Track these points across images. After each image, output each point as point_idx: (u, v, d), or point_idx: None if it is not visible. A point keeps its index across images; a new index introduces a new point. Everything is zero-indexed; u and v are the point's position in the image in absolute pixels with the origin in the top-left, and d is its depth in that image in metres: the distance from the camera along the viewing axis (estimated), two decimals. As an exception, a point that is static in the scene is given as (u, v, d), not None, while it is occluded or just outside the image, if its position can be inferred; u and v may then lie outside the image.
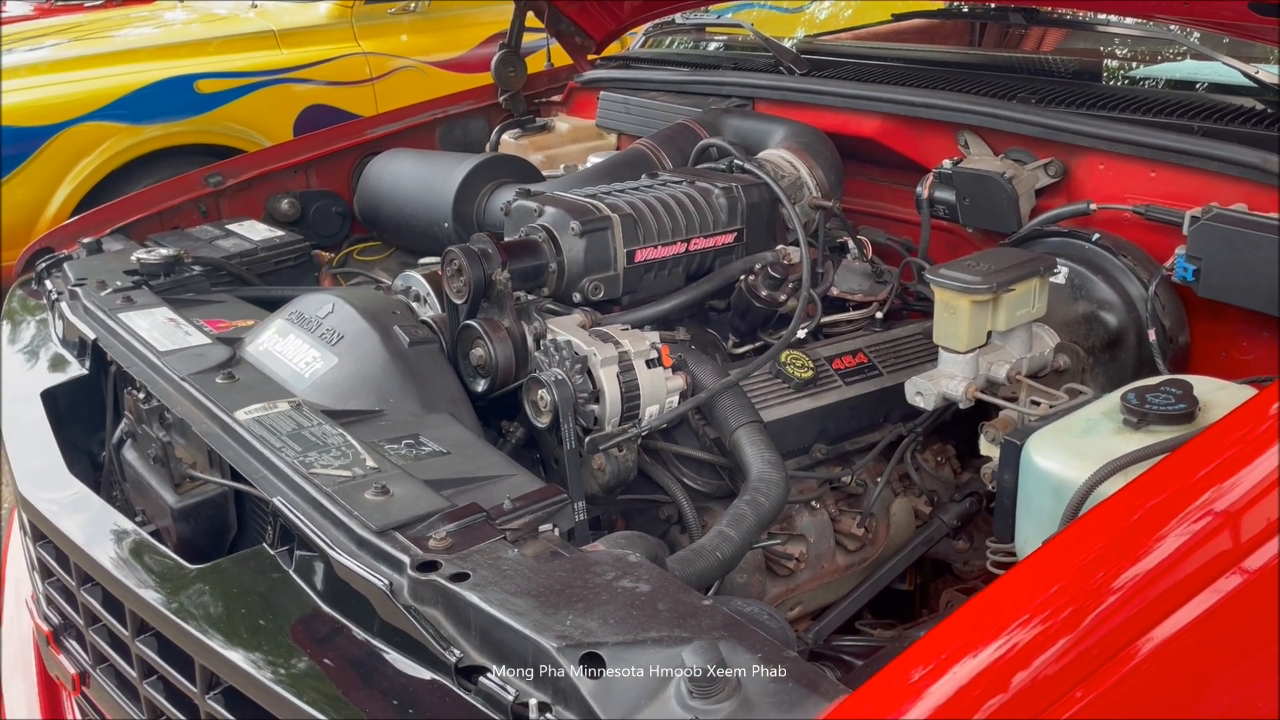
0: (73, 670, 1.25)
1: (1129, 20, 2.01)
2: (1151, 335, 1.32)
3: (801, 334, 1.53)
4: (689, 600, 0.85)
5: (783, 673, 0.75)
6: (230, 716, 0.97)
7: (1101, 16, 2.05)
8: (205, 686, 0.97)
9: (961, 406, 1.28)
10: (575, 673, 0.76)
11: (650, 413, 1.29)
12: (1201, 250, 1.25)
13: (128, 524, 1.14)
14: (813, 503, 1.44)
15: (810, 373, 1.43)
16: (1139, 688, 0.72)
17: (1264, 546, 0.79)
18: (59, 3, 6.87)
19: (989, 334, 1.35)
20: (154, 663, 1.06)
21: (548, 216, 1.46)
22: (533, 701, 0.77)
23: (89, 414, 1.49)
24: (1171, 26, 1.80)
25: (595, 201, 1.50)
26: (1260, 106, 1.52)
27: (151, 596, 1.03)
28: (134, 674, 1.12)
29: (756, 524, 1.17)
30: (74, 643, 1.25)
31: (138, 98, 3.89)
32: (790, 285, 1.56)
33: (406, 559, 0.88)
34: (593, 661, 0.77)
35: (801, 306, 1.51)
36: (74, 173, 3.79)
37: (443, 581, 0.86)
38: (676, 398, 1.33)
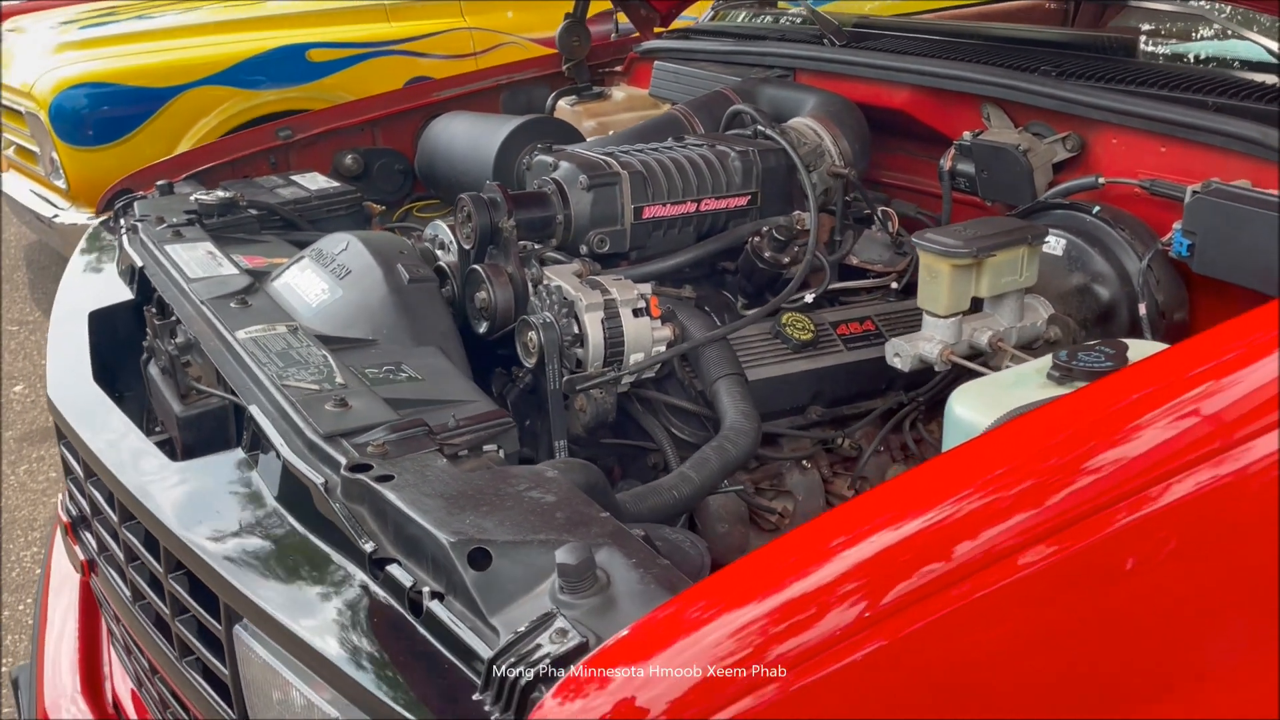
0: (82, 557, 1.38)
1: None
2: (1142, 309, 1.31)
3: (809, 298, 1.54)
4: (587, 511, 0.91)
5: (650, 577, 0.80)
6: (188, 597, 1.06)
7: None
8: (169, 567, 1.08)
9: (936, 369, 1.31)
10: (463, 566, 0.83)
11: (634, 359, 1.33)
12: (1197, 225, 1.24)
13: (132, 428, 1.24)
14: (804, 462, 1.46)
15: (810, 335, 1.45)
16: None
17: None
18: None
19: (979, 301, 1.37)
20: (135, 548, 1.16)
21: (559, 170, 1.52)
22: (426, 590, 0.84)
23: (137, 336, 1.57)
24: (1205, 4, 1.78)
25: (607, 158, 1.54)
26: (1258, 73, 1.51)
27: (134, 487, 1.12)
28: (122, 559, 1.22)
29: (720, 469, 1.22)
30: (85, 533, 1.37)
31: (253, 64, 4.05)
32: (796, 249, 1.57)
33: (343, 460, 0.97)
34: (479, 556, 0.83)
35: (803, 270, 1.52)
36: (191, 133, 3.95)
37: (369, 481, 0.93)
38: (664, 347, 1.36)
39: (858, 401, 1.51)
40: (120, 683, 1.48)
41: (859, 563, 0.78)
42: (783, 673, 0.74)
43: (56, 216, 3.95)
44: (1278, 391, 0.87)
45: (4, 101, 4.27)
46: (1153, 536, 0.82)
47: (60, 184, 3.93)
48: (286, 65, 4.10)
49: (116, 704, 1.46)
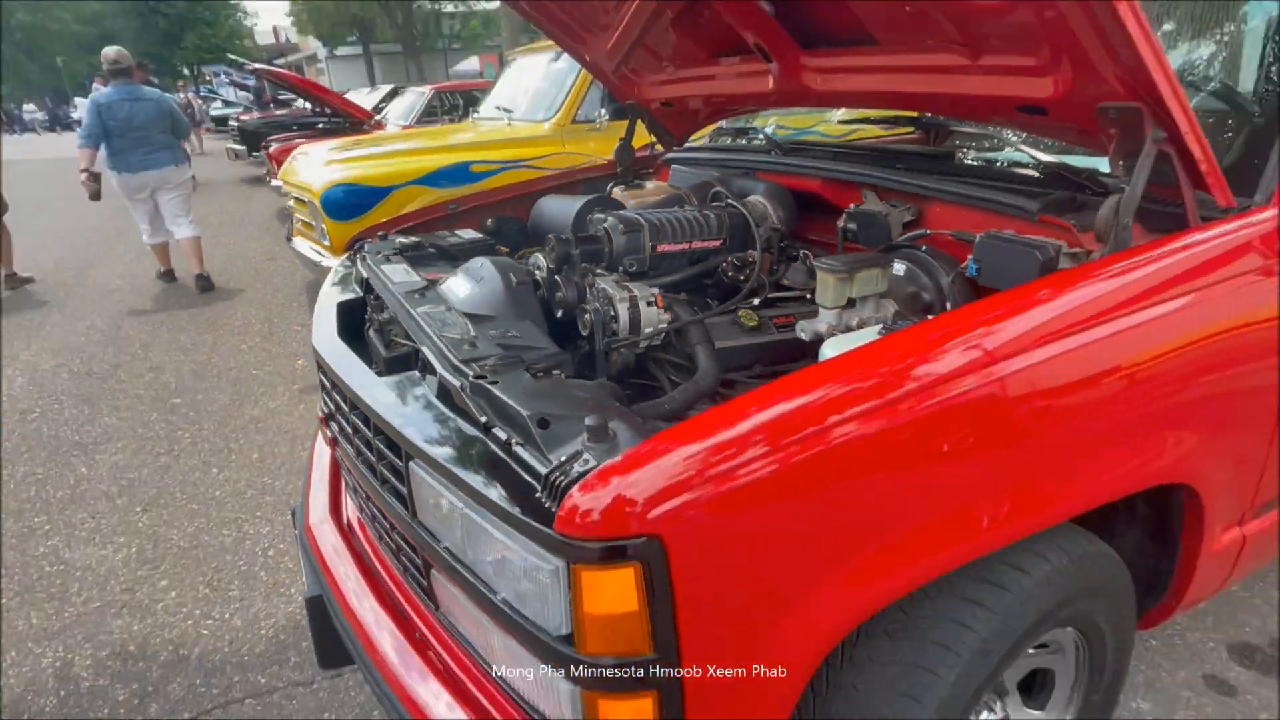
0: (330, 435, 1.43)
1: (971, 125, 1.97)
2: (948, 307, 1.32)
3: (756, 302, 1.54)
4: (608, 403, 0.97)
5: (637, 434, 0.86)
6: (383, 448, 1.11)
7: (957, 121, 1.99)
8: (375, 433, 1.12)
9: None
10: (534, 427, 0.90)
11: (646, 332, 1.35)
12: (982, 256, 1.22)
13: (358, 361, 1.28)
14: None
15: (755, 323, 1.44)
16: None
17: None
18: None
19: (852, 301, 1.39)
20: (359, 426, 1.20)
21: (608, 223, 1.53)
22: (514, 439, 0.91)
23: (362, 316, 1.60)
24: (995, 128, 1.76)
25: (637, 216, 1.55)
26: (1033, 173, 1.49)
27: (358, 389, 1.17)
28: (349, 431, 1.27)
29: (694, 394, 1.23)
30: (331, 422, 1.42)
31: (438, 173, 4.05)
32: (747, 272, 1.56)
33: (471, 374, 1.03)
34: (543, 422, 0.90)
35: (751, 284, 1.53)
36: (400, 213, 4.01)
37: (484, 384, 1.00)
38: (664, 324, 1.38)
39: (787, 363, 1.51)
40: (350, 511, 1.53)
41: (761, 423, 0.83)
42: (709, 484, 0.79)
43: (323, 261, 4.01)
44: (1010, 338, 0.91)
45: (295, 195, 4.39)
46: (930, 411, 0.86)
47: (325, 243, 3.99)
48: (457, 173, 4.09)
49: (349, 523, 1.50)
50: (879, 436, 0.84)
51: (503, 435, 0.91)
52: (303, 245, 4.33)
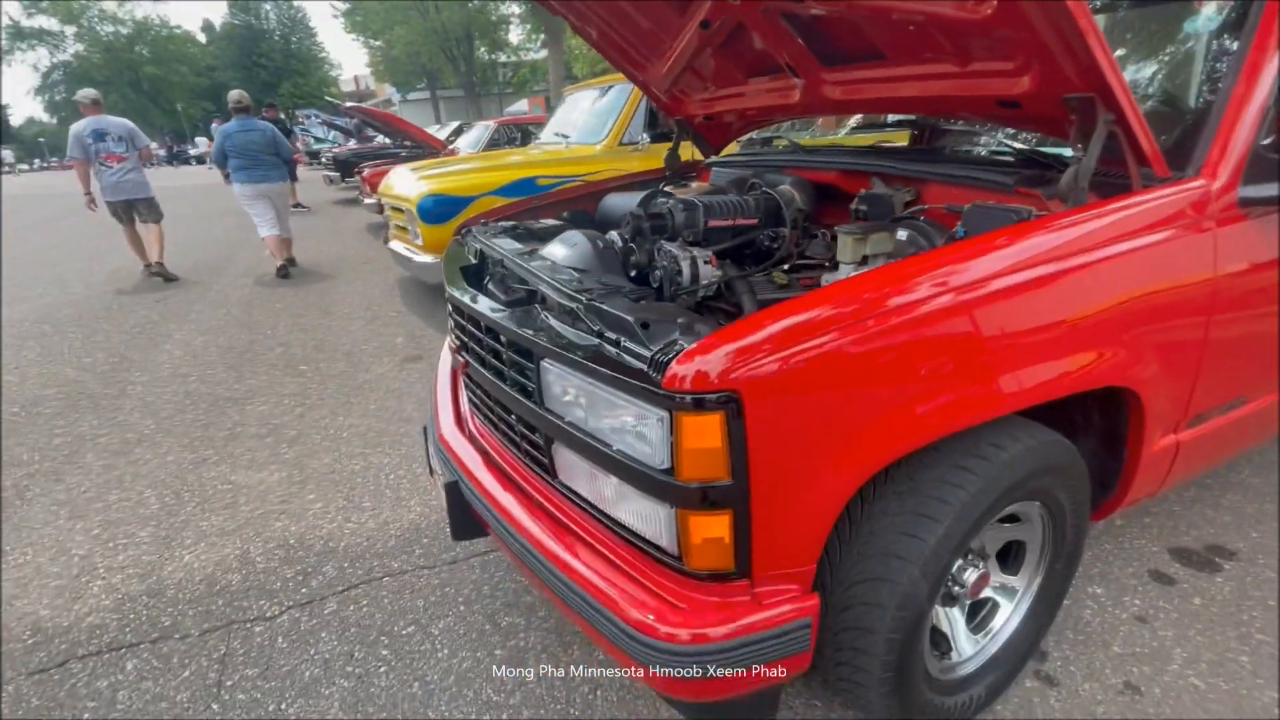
0: (461, 360, 1.57)
1: (959, 122, 2.08)
2: None
3: (786, 267, 1.69)
4: (689, 314, 1.11)
5: (711, 329, 1.01)
6: (516, 357, 1.24)
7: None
8: (506, 345, 1.27)
9: None
10: (638, 329, 1.04)
11: (704, 283, 1.46)
12: (969, 222, 1.32)
13: (484, 299, 1.42)
14: None
15: (785, 282, 1.54)
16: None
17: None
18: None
19: (865, 258, 1.52)
20: (493, 346, 1.34)
21: (671, 203, 1.66)
22: (623, 340, 1.06)
23: (482, 273, 1.74)
24: (977, 124, 1.87)
25: (695, 199, 1.70)
26: (1009, 157, 1.61)
27: (494, 315, 1.31)
28: (484, 351, 1.39)
29: None
30: (464, 351, 1.56)
31: (511, 186, 4.20)
32: (779, 244, 1.72)
33: (584, 299, 1.17)
34: (645, 325, 1.05)
35: (782, 252, 1.68)
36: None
37: (597, 303, 1.15)
38: (717, 278, 1.54)
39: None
40: (472, 423, 1.68)
41: (799, 321, 0.97)
42: (770, 358, 0.94)
43: (415, 258, 4.19)
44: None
45: (393, 205, 4.60)
46: (915, 318, 1.00)
47: (419, 243, 4.19)
48: (526, 186, 4.22)
49: (471, 432, 1.64)
50: (881, 333, 0.98)
51: (614, 337, 1.06)
52: (398, 246, 4.53)
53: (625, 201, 2.14)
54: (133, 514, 2.30)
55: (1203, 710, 1.38)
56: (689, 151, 2.51)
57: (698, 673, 0.98)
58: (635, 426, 1.00)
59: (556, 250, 1.61)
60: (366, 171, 7.45)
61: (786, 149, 2.22)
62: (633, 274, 1.59)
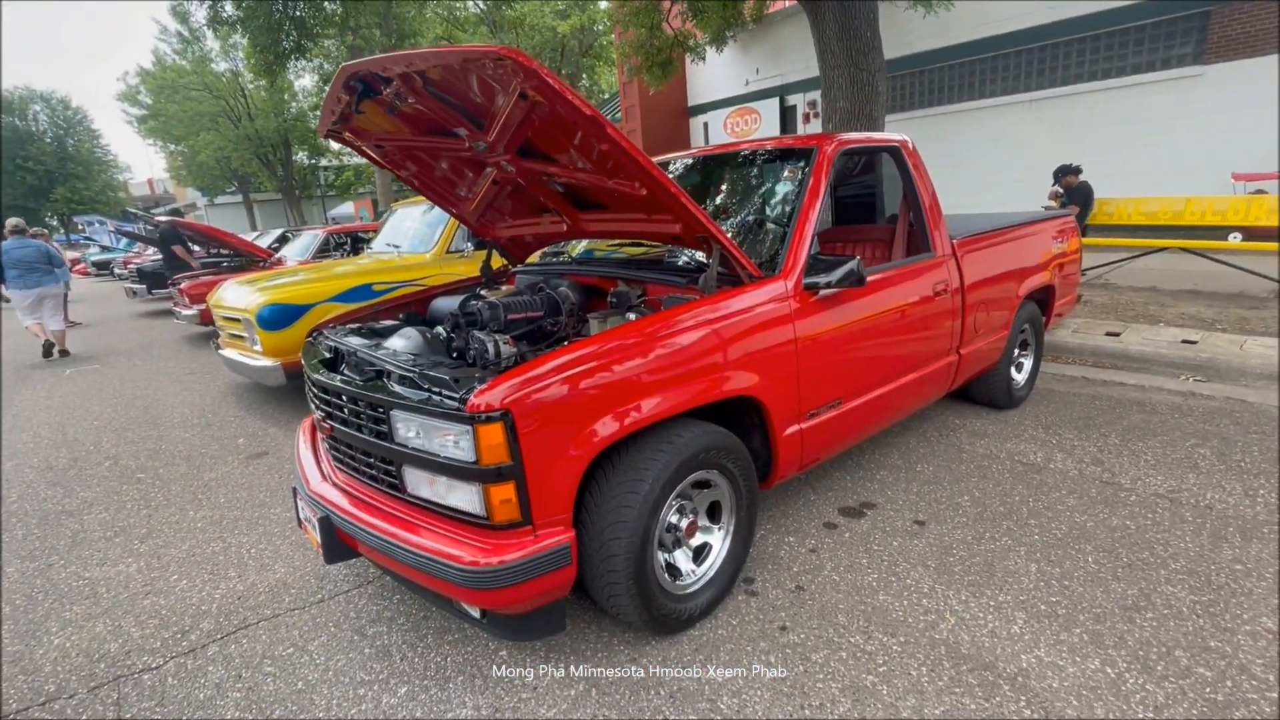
0: (327, 426, 2.10)
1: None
2: None
3: (565, 344, 2.49)
4: (483, 374, 1.82)
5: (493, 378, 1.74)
6: (372, 413, 1.87)
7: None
8: (362, 407, 1.90)
9: None
10: (451, 382, 1.74)
11: (504, 357, 2.24)
12: (667, 305, 2.26)
13: (334, 378, 2.04)
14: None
15: None
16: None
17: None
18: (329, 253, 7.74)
19: None
20: (353, 409, 1.95)
21: (479, 305, 2.37)
22: (443, 391, 1.74)
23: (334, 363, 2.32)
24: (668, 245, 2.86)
25: (498, 300, 2.43)
26: (688, 265, 2.56)
27: (352, 389, 1.93)
28: (345, 415, 1.96)
29: None
30: (326, 418, 2.12)
31: (348, 293, 4.58)
32: (558, 328, 2.53)
33: (417, 371, 1.85)
34: (456, 380, 1.74)
35: (558, 334, 2.49)
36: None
37: (425, 371, 1.83)
38: (514, 354, 2.28)
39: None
40: (334, 474, 2.14)
41: (553, 365, 1.73)
42: (527, 390, 1.67)
43: (252, 363, 4.43)
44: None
45: (226, 315, 4.81)
46: (622, 352, 1.80)
47: (258, 349, 4.45)
48: (364, 291, 4.65)
49: (335, 481, 2.12)
50: (602, 365, 1.76)
51: (437, 390, 1.73)
52: (232, 353, 4.75)
53: (450, 303, 2.81)
54: (-20, 620, 2.42)
55: (854, 584, 2.25)
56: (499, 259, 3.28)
57: (508, 581, 1.62)
58: (455, 440, 1.66)
59: (396, 342, 2.26)
60: (185, 284, 7.40)
61: (565, 261, 3.06)
62: (455, 355, 2.27)
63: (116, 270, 19.03)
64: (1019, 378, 3.93)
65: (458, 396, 1.62)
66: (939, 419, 3.78)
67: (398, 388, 1.81)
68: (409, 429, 1.76)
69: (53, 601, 2.51)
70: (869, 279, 2.50)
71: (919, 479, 3.05)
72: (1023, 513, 2.69)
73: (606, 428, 1.77)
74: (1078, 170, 6.91)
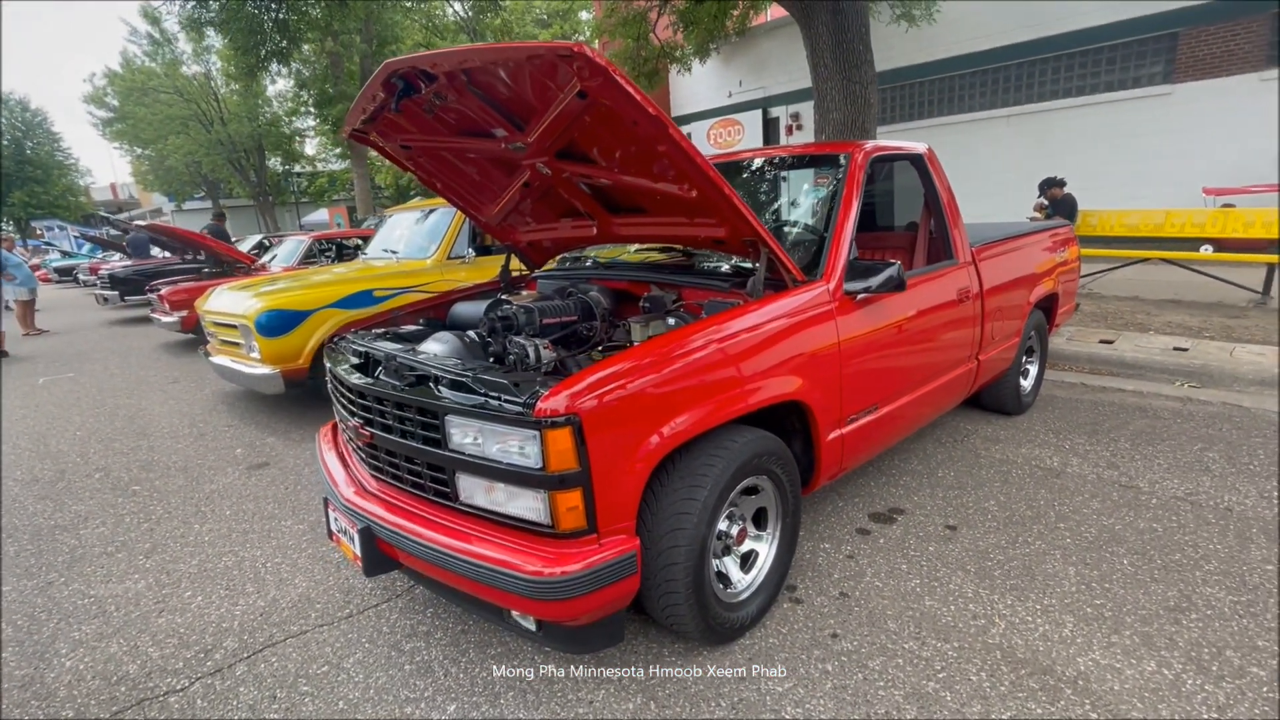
0: (366, 433, 2.02)
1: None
2: None
3: (600, 349, 2.44)
4: (542, 379, 1.77)
5: (554, 383, 1.69)
6: (424, 418, 1.79)
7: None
8: (413, 413, 1.83)
9: None
10: (512, 386, 1.69)
11: (544, 363, 2.19)
12: (708, 311, 2.23)
13: (378, 383, 1.94)
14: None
15: (600, 358, 2.34)
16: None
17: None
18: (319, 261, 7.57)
19: (650, 337, 2.30)
20: (399, 415, 1.87)
21: (515, 309, 2.31)
22: (503, 396, 1.69)
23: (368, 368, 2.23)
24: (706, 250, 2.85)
25: (532, 305, 2.33)
26: (729, 270, 2.54)
27: (399, 393, 1.87)
28: (391, 421, 1.87)
29: None
30: (365, 425, 2.04)
31: (348, 299, 4.47)
32: (593, 332, 2.47)
33: (472, 375, 1.80)
34: (517, 384, 1.69)
35: (594, 339, 2.44)
36: (318, 333, 4.34)
37: (481, 376, 1.77)
38: (553, 358, 2.23)
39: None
40: (369, 482, 2.06)
41: (612, 371, 1.68)
42: (597, 393, 1.62)
43: (247, 370, 4.30)
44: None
45: (218, 321, 4.66)
46: (685, 363, 1.76)
47: (255, 356, 4.32)
48: (363, 298, 4.56)
49: (372, 491, 2.04)
50: (666, 369, 1.72)
51: (497, 394, 1.67)
52: (225, 360, 4.60)
53: (470, 308, 2.74)
54: (-21, 643, 2.27)
55: (898, 589, 2.23)
56: (515, 265, 3.22)
57: (576, 592, 1.57)
58: (519, 446, 1.60)
59: (433, 346, 2.19)
60: (165, 290, 7.16)
61: (590, 266, 3.02)
62: (491, 360, 2.21)
63: (81, 277, 18.47)
64: (1026, 384, 3.99)
65: (523, 401, 1.57)
66: (951, 425, 3.82)
67: (449, 393, 1.74)
68: (465, 435, 1.69)
69: (58, 621, 2.37)
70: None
71: (942, 484, 3.06)
72: (1050, 516, 2.71)
73: (670, 432, 1.73)
74: (1062, 183, 7.10)
